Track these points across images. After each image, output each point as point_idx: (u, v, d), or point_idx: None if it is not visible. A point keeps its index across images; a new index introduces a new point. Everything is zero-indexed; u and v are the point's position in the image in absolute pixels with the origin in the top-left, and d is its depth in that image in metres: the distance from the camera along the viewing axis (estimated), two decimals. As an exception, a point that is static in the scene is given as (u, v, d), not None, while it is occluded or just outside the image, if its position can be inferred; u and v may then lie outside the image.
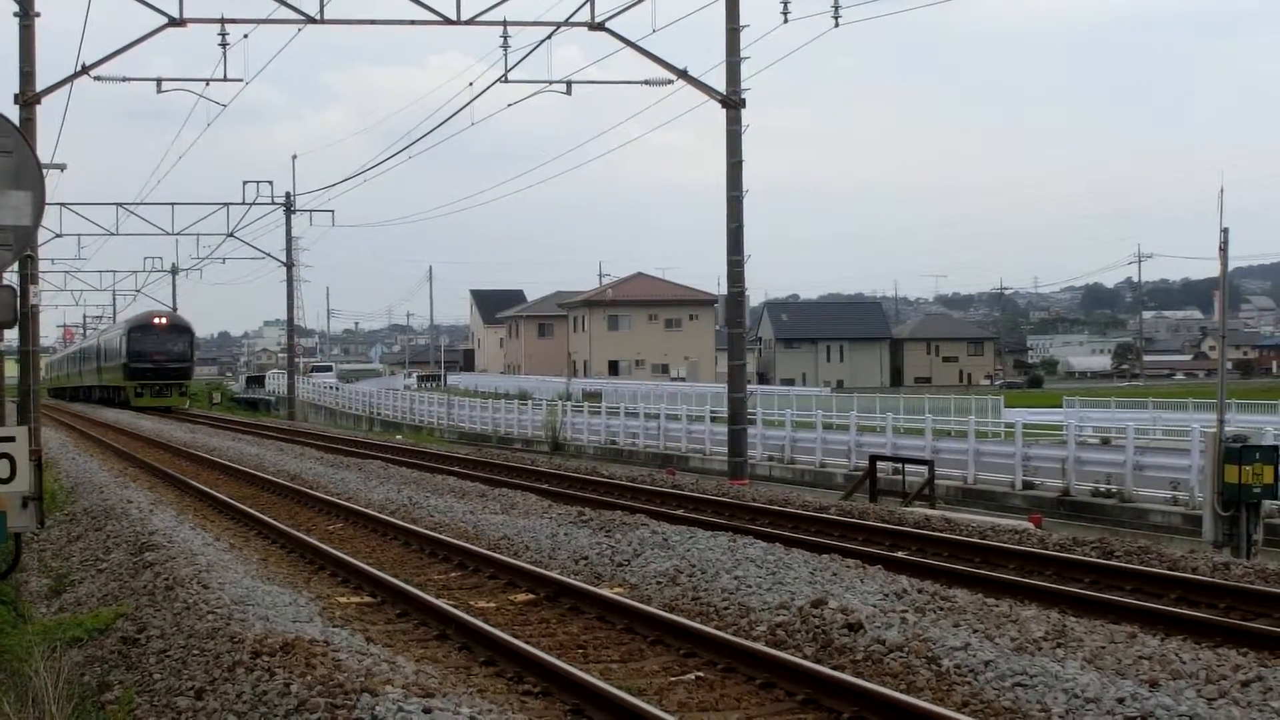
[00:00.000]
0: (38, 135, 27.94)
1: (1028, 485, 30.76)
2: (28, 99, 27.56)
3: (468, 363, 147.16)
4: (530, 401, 63.41)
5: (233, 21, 30.47)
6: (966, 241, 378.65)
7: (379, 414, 74.04)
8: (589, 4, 30.15)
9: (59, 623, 13.36)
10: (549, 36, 31.24)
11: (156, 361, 71.76)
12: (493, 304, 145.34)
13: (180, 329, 74.40)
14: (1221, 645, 11.28)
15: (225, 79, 31.91)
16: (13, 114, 27.17)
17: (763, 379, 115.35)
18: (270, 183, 60.99)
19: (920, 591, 13.19)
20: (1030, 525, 21.10)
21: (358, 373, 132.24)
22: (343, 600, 14.22)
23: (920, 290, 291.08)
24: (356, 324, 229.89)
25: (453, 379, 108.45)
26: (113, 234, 59.67)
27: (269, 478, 28.45)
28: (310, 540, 18.25)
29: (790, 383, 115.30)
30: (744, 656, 10.90)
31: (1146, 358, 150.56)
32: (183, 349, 73.39)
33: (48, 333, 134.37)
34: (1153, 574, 14.92)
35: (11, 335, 26.13)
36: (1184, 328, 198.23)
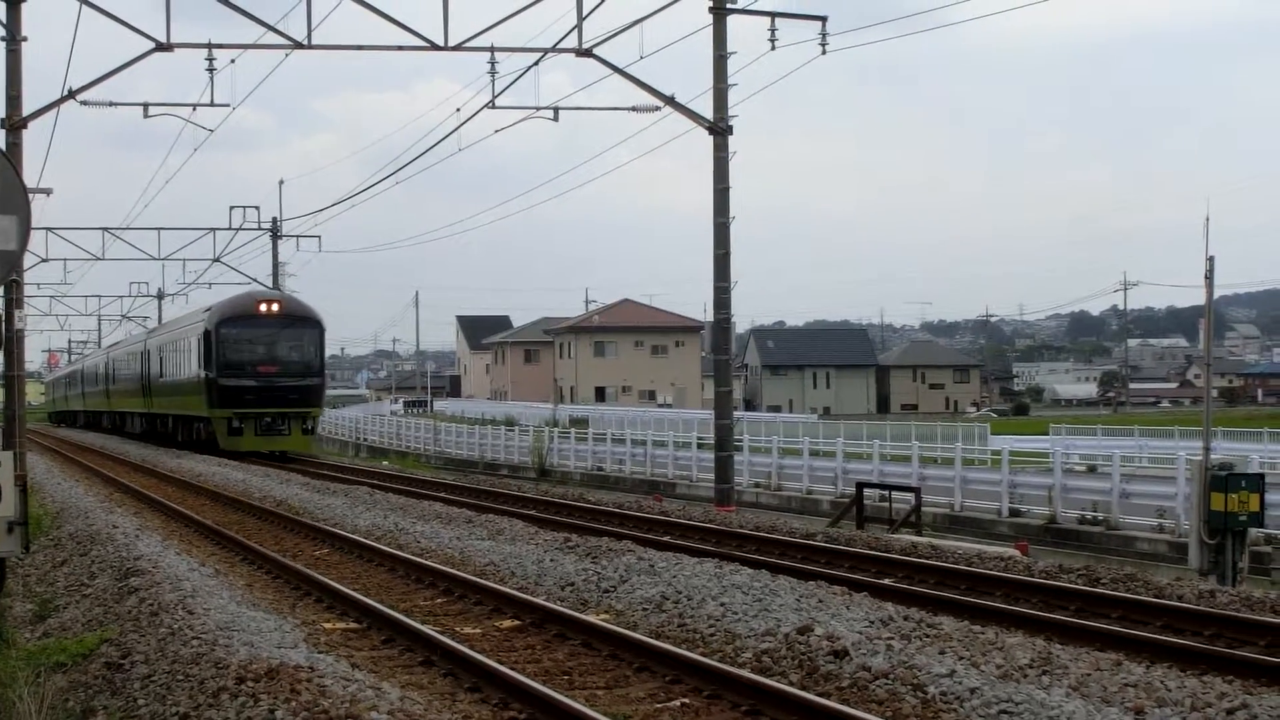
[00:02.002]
0: (24, 159, 27.96)
1: (1014, 512, 30.81)
2: (14, 123, 27.58)
3: (454, 389, 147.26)
4: (517, 427, 63.41)
5: (220, 47, 30.56)
6: (952, 268, 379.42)
7: (365, 440, 73.99)
8: (577, 30, 30.25)
9: (43, 648, 13.30)
10: (536, 63, 31.41)
11: (265, 376, 44.94)
12: (479, 330, 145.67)
13: (303, 321, 46.45)
14: (1207, 673, 11.28)
15: (212, 104, 32.06)
16: (-1, 138, 27.26)
17: (749, 406, 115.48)
18: (257, 208, 61.35)
19: (906, 618, 13.18)
20: (1017, 552, 21.08)
21: (343, 399, 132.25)
22: (328, 626, 14.17)
23: (906, 317, 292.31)
24: (343, 349, 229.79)
25: (439, 405, 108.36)
26: (99, 258, 59.75)
27: (255, 503, 28.37)
28: (296, 566, 18.20)
29: (777, 409, 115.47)
30: (730, 683, 10.88)
31: (1132, 385, 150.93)
32: (307, 355, 46.10)
33: (33, 357, 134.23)
34: (1139, 601, 14.92)
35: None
36: (1169, 355, 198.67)
